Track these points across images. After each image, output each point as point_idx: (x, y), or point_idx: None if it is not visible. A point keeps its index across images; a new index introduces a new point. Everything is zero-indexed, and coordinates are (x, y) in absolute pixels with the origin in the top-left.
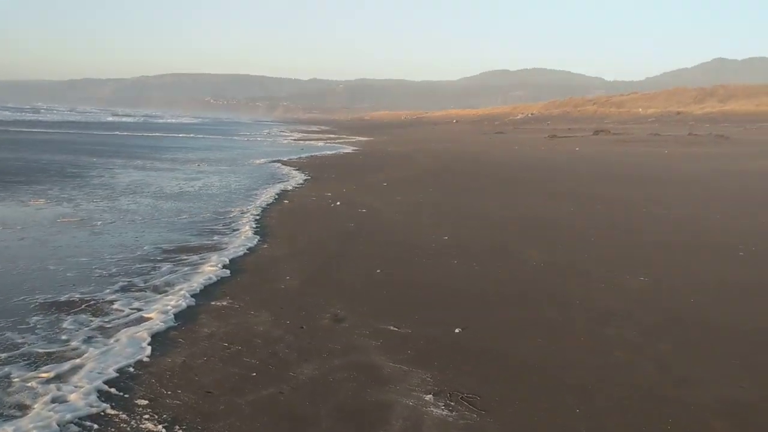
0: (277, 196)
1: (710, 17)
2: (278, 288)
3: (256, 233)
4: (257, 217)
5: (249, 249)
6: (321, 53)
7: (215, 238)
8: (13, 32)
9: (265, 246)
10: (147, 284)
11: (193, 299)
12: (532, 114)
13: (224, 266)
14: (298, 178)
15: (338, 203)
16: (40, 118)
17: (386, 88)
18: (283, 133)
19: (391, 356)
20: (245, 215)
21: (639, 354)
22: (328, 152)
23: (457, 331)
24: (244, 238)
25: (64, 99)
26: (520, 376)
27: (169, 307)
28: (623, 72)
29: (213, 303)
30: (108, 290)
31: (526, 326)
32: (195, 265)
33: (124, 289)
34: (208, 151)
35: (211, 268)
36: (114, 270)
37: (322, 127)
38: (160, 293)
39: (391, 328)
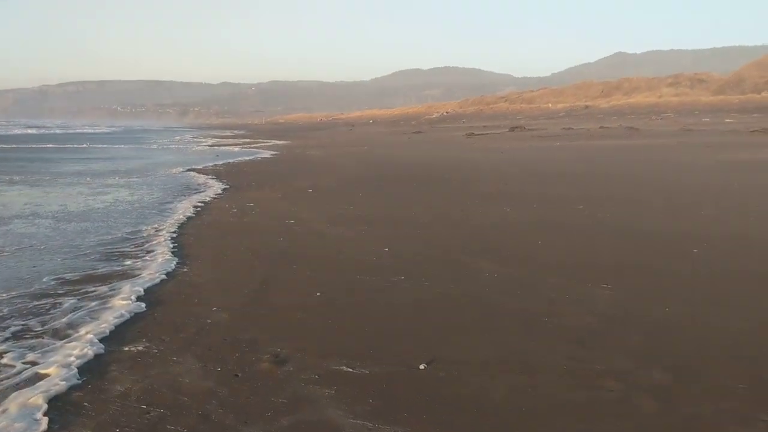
0: (194, 210)
1: (610, 12)
2: (204, 323)
3: (174, 254)
4: (174, 236)
5: (167, 274)
6: (230, 56)
7: (127, 262)
8: None
9: (186, 269)
10: (45, 327)
11: (102, 345)
12: (447, 113)
13: (138, 298)
14: (215, 187)
15: (263, 215)
16: None
17: (299, 89)
18: (197, 139)
19: (350, 408)
20: (160, 233)
21: (632, 385)
22: (246, 158)
23: (422, 367)
24: (160, 261)
25: None
26: (504, 427)
27: (72, 359)
28: (530, 69)
29: (126, 348)
30: None
31: (498, 357)
32: (104, 299)
33: (16, 336)
34: (117, 161)
35: (123, 302)
36: (5, 311)
37: (237, 132)
38: (61, 339)
39: (344, 368)
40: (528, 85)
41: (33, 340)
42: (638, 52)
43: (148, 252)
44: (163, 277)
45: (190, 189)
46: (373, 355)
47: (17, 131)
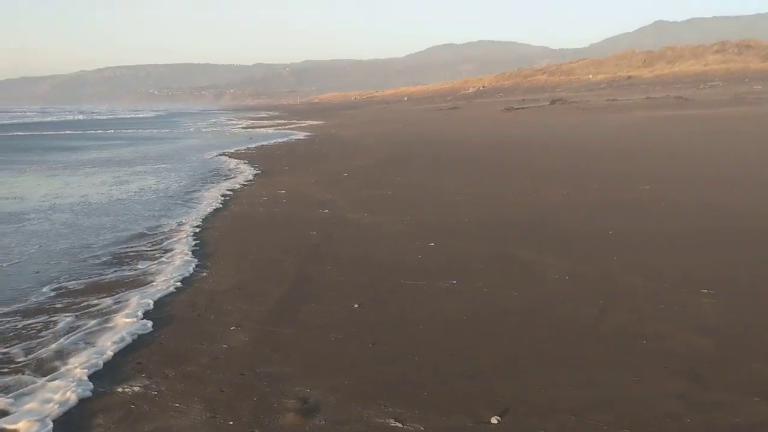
0: (222, 200)
1: None
2: (218, 350)
3: (194, 254)
4: (197, 230)
5: (183, 280)
6: (264, 36)
7: (140, 266)
8: None
9: (205, 274)
10: (29, 357)
11: (90, 384)
12: (483, 87)
13: (146, 314)
14: (247, 173)
15: (294, 203)
16: None
17: (333, 68)
18: (231, 122)
19: None
20: (182, 228)
21: None
22: (279, 140)
23: (494, 421)
24: (178, 263)
25: (1, 99)
26: None
27: (49, 406)
28: (567, 40)
29: (120, 389)
30: None
31: (592, 402)
32: (106, 316)
33: None
34: (149, 146)
35: (127, 321)
36: None
37: (271, 113)
38: (45, 374)
39: (392, 423)
40: (565, 56)
41: (10, 377)
42: (679, 20)
43: (166, 252)
44: (178, 284)
45: (220, 175)
46: (427, 399)
47: (52, 118)
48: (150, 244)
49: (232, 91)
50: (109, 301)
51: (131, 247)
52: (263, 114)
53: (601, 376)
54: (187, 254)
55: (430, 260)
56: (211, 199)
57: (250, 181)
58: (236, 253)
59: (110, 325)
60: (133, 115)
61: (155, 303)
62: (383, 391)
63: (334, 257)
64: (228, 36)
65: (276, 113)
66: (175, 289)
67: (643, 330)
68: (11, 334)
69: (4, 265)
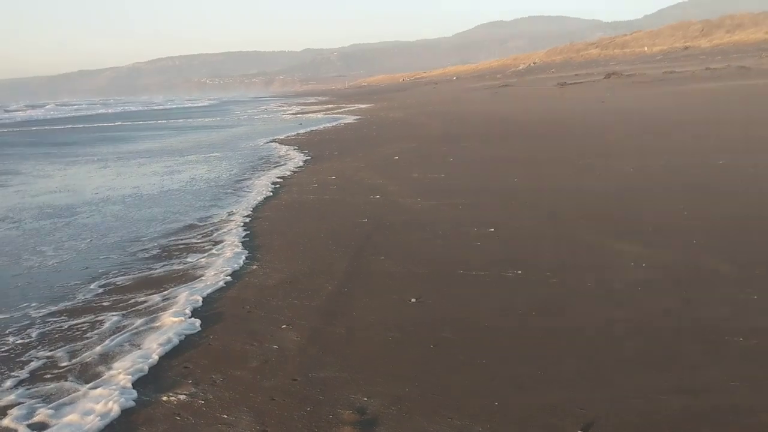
0: (273, 188)
1: None
2: (269, 351)
3: (244, 246)
4: (247, 220)
5: (233, 274)
6: (311, 21)
7: (189, 259)
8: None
9: (255, 267)
10: (73, 362)
11: (134, 392)
12: (534, 63)
13: (194, 311)
14: (297, 159)
15: (345, 190)
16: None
17: (381, 51)
18: (281, 108)
19: None
20: (233, 218)
21: None
22: (328, 125)
23: None
24: (228, 255)
25: (61, 92)
26: None
27: (90, 418)
28: (619, 12)
29: (165, 398)
30: (9, 382)
31: (702, 416)
32: (153, 314)
33: (34, 377)
34: (202, 134)
35: (174, 320)
36: (33, 336)
37: (320, 98)
38: (88, 381)
39: None
40: (618, 29)
41: (52, 384)
42: None
43: (216, 243)
44: (228, 278)
45: (270, 162)
46: (499, 410)
47: (106, 110)
48: (200, 236)
49: (281, 77)
50: (157, 297)
51: (181, 239)
52: (312, 99)
53: (697, 380)
54: (237, 246)
55: (491, 247)
56: (261, 187)
57: (300, 167)
58: (286, 243)
59: (157, 324)
60: (189, 105)
61: (204, 299)
62: (449, 401)
63: (387, 246)
64: (276, 23)
65: (325, 98)
66: (225, 283)
67: (738, 325)
68: (57, 335)
69: (55, 261)
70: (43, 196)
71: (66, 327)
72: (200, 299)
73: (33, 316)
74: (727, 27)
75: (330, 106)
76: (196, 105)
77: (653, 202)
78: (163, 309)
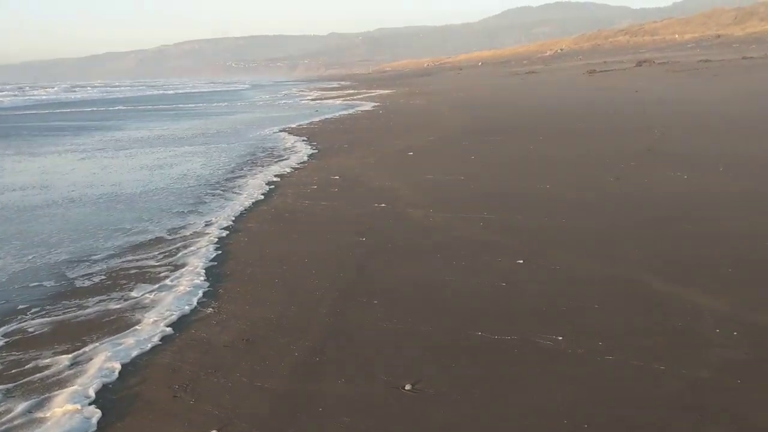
0: (266, 189)
1: None
2: None
3: (207, 276)
4: (224, 234)
5: (177, 323)
6: (336, 5)
7: (134, 292)
8: (28, 12)
9: (210, 311)
10: None
11: None
12: (561, 50)
13: (102, 390)
14: (302, 153)
15: (347, 193)
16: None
17: (406, 35)
18: (301, 93)
19: None
20: (208, 231)
21: None
22: (344, 112)
23: None
24: (182, 290)
25: (88, 75)
26: None
27: None
28: None
29: None
30: None
31: None
32: (47, 392)
33: None
34: (212, 120)
35: (66, 409)
36: None
37: (342, 83)
38: None
39: None
40: (647, 16)
41: None
42: None
43: (176, 268)
44: (169, 329)
45: (273, 156)
46: None
47: (115, 94)
48: (161, 255)
49: (306, 61)
50: (66, 360)
51: (138, 259)
52: (334, 84)
53: None
54: (198, 274)
55: (521, 291)
56: (254, 188)
57: (303, 163)
58: (260, 273)
59: (41, 415)
60: (206, 89)
61: (123, 367)
62: None
63: (383, 284)
64: (302, 7)
65: (347, 83)
66: (161, 339)
67: None
68: None
69: None
70: (6, 194)
71: None
72: (117, 368)
73: None
74: (761, 15)
75: (350, 91)
76: (215, 89)
77: (724, 227)
78: (64, 384)
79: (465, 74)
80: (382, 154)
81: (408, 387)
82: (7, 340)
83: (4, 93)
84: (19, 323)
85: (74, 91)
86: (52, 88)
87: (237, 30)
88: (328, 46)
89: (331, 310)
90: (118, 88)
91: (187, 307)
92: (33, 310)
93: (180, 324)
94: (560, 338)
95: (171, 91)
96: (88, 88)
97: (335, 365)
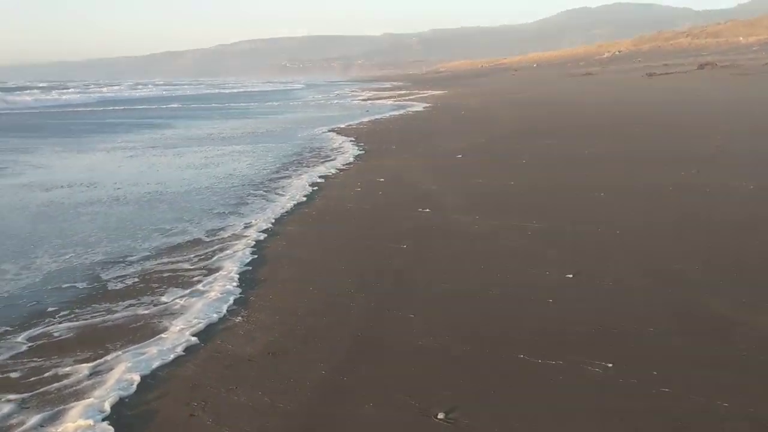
0: (309, 191)
1: None
2: None
3: (240, 281)
4: (262, 238)
5: (202, 333)
6: (392, 6)
7: (165, 297)
8: (91, 10)
9: (238, 320)
10: None
11: None
12: (619, 52)
13: (117, 405)
14: (348, 153)
15: (391, 197)
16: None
17: (461, 36)
18: (354, 93)
19: None
20: (246, 234)
21: None
22: (395, 113)
23: None
24: (213, 297)
25: (147, 73)
26: None
27: None
28: (711, 0)
29: None
30: None
31: None
32: (62, 404)
33: None
34: (262, 120)
35: (79, 424)
36: None
37: (395, 84)
38: None
39: None
40: (710, 18)
41: None
42: None
43: (210, 272)
44: (194, 339)
45: (320, 156)
46: None
47: (172, 92)
48: (197, 258)
49: (360, 62)
50: (86, 370)
51: (173, 261)
52: (387, 84)
53: None
54: (231, 279)
55: (568, 309)
56: (297, 189)
57: (349, 164)
58: (294, 280)
59: (53, 430)
60: (259, 88)
61: (138, 385)
62: None
63: (421, 295)
64: (357, 7)
65: (400, 83)
66: (185, 350)
67: None
68: None
69: (8, 288)
70: (55, 190)
71: None
72: (136, 380)
73: None
74: None
75: (402, 92)
76: (268, 89)
77: None
78: (80, 395)
79: (520, 75)
80: (430, 157)
81: (441, 416)
82: (31, 344)
83: (70, 90)
84: (46, 326)
85: (138, 89)
86: (118, 85)
87: (293, 30)
88: (382, 46)
89: (364, 324)
90: (179, 86)
91: (215, 315)
92: (62, 313)
93: (206, 333)
94: (610, 365)
95: (227, 90)
96: (150, 86)
97: (364, 386)
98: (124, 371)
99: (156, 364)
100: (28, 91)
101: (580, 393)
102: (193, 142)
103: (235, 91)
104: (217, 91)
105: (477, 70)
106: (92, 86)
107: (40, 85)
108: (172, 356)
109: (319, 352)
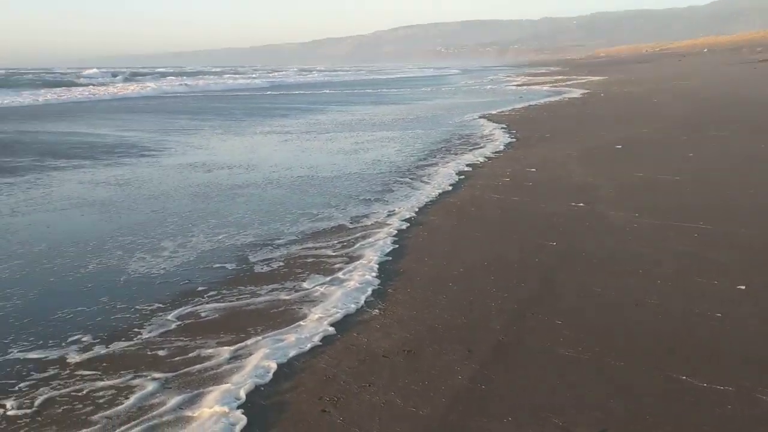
0: (456, 179)
1: None
2: None
3: (379, 272)
4: (404, 227)
5: (339, 324)
6: None
7: (306, 284)
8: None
9: (375, 312)
10: None
11: None
12: None
13: (253, 393)
14: (498, 141)
15: (541, 189)
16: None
17: (624, 20)
18: (508, 78)
19: None
20: (389, 222)
21: None
22: (550, 99)
23: None
24: (351, 287)
25: (308, 60)
26: None
27: None
28: None
29: None
30: None
31: None
32: (200, 387)
33: None
34: (412, 105)
35: (213, 411)
36: (36, 403)
37: (551, 69)
38: None
39: None
40: None
41: None
42: None
43: (350, 260)
44: (331, 329)
45: (469, 144)
46: None
47: (331, 78)
48: (339, 245)
49: (515, 47)
50: (226, 353)
51: (316, 247)
52: (543, 70)
53: None
54: (371, 269)
55: (740, 326)
56: (443, 177)
57: (499, 152)
58: (433, 273)
59: (189, 413)
60: (412, 74)
61: (274, 374)
62: None
63: (570, 300)
64: None
65: (556, 69)
66: (322, 340)
67: None
68: (57, 407)
69: (163, 265)
70: (216, 171)
71: (78, 391)
72: (273, 368)
73: (69, 360)
74: None
75: (559, 77)
76: (420, 74)
77: None
78: (219, 380)
79: (687, 62)
80: (586, 147)
81: None
82: (179, 323)
83: (243, 76)
84: (195, 306)
85: (302, 75)
86: (284, 71)
87: (448, 15)
88: (539, 30)
89: (506, 327)
90: (340, 72)
91: (353, 306)
92: (210, 294)
93: (343, 324)
94: None
95: (382, 76)
96: (315, 72)
97: (503, 398)
98: (262, 358)
99: (293, 352)
100: (202, 77)
101: (753, 427)
102: (344, 127)
103: (390, 77)
104: (373, 76)
105: (639, 55)
106: (260, 72)
107: (214, 69)
108: (308, 346)
109: (456, 355)
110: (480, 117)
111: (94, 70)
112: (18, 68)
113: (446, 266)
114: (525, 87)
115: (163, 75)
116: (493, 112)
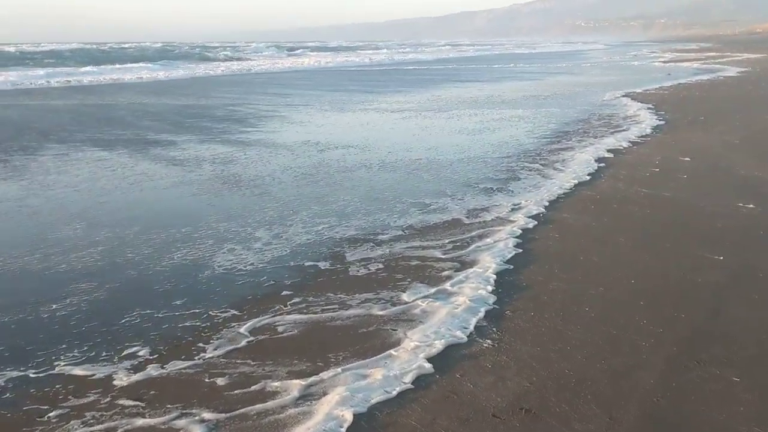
0: (594, 168)
1: None
2: None
3: (496, 286)
4: (530, 226)
5: (437, 357)
6: None
7: (405, 296)
8: None
9: (486, 346)
10: None
11: None
12: None
13: None
14: (645, 123)
15: (694, 185)
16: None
17: None
18: (653, 54)
19: None
20: (513, 219)
21: None
22: (702, 77)
23: None
24: (460, 305)
25: (441, 33)
26: None
27: None
28: None
29: None
30: None
31: None
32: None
33: None
34: (548, 81)
35: None
36: None
37: (702, 45)
38: None
39: None
40: None
41: None
42: None
43: (462, 267)
44: (427, 366)
45: (610, 126)
46: None
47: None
48: (451, 245)
49: (662, 21)
50: (294, 392)
51: (424, 246)
52: (693, 46)
53: None
54: (487, 281)
55: None
56: (579, 164)
57: (645, 136)
58: (565, 292)
59: None
60: (551, 49)
61: (348, 428)
62: None
63: (747, 339)
64: None
65: (707, 45)
66: (413, 381)
67: None
68: None
69: (250, 262)
70: (329, 152)
71: (112, 431)
72: (347, 420)
73: (115, 382)
74: None
75: (711, 54)
76: (558, 49)
77: None
78: (278, 429)
79: None
80: (752, 132)
81: None
82: (251, 339)
83: (384, 51)
84: (273, 316)
85: (453, 49)
86: (429, 47)
87: None
88: (689, 3)
89: (662, 382)
90: (478, 46)
91: (459, 333)
92: (294, 301)
93: (444, 359)
94: None
95: (517, 51)
96: (464, 46)
97: None
98: (337, 403)
99: (376, 398)
100: (343, 53)
101: None
102: (470, 105)
103: (524, 51)
104: (508, 51)
105: None
106: (395, 47)
107: (378, 44)
108: (396, 390)
109: (592, 424)
110: (623, 95)
111: (261, 44)
112: (177, 43)
113: (581, 282)
114: (673, 63)
115: (318, 48)
116: (638, 90)
